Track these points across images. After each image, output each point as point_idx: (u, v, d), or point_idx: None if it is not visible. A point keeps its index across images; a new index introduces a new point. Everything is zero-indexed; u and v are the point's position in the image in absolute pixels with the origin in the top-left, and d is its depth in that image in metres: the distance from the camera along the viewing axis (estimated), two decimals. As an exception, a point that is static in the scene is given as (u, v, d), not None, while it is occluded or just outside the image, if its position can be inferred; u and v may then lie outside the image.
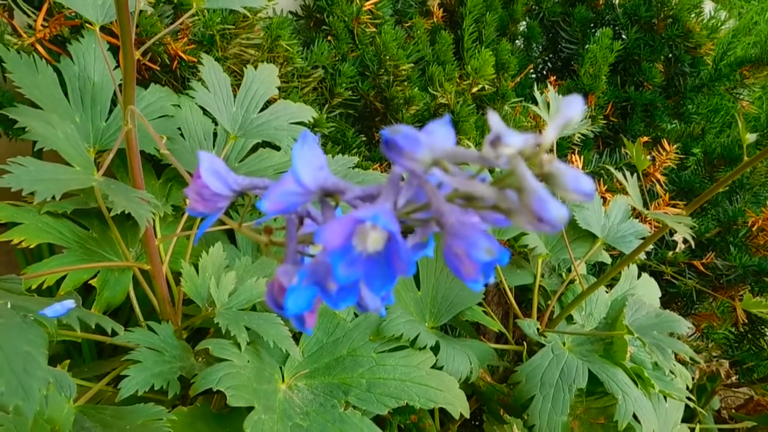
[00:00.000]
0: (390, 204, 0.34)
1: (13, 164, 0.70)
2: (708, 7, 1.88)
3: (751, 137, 0.93)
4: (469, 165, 0.34)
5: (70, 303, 0.65)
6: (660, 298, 1.39)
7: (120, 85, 0.97)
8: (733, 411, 1.69)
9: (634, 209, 1.42)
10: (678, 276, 1.66)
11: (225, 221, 0.48)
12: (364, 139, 1.45)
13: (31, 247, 0.93)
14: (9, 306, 0.63)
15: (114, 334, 0.77)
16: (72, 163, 0.79)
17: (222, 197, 0.42)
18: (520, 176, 0.31)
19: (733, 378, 1.70)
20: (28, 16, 1.07)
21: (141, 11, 1.03)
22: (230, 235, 1.16)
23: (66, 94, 1.00)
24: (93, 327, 0.72)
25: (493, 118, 0.31)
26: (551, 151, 0.32)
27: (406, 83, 1.44)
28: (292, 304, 0.36)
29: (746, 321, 1.67)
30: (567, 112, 0.31)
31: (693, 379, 1.57)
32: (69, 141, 0.83)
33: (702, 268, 1.64)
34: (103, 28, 0.97)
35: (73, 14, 1.06)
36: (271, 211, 0.36)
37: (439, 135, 0.34)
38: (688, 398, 1.17)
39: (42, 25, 1.06)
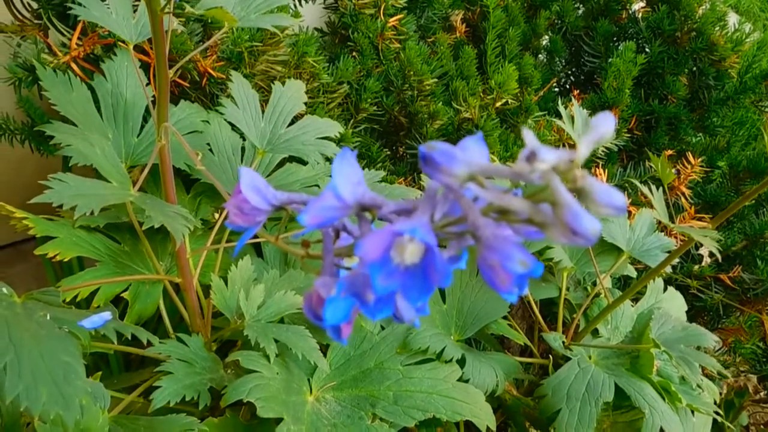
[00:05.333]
0: (427, 217, 0.35)
1: (54, 180, 0.72)
2: (732, 19, 1.87)
3: (777, 150, 0.92)
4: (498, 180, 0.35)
5: (107, 314, 0.67)
6: (686, 312, 1.38)
7: (152, 101, 1.00)
8: (762, 427, 1.67)
9: (659, 222, 1.42)
10: (704, 290, 1.65)
11: (261, 235, 0.49)
12: (388, 153, 1.46)
13: (65, 260, 0.95)
14: (48, 317, 0.65)
15: (149, 344, 0.79)
16: (109, 179, 0.81)
17: (261, 211, 0.43)
18: (554, 190, 0.31)
19: (762, 393, 1.68)
20: (63, 34, 1.10)
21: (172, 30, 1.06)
22: (257, 249, 1.17)
23: (99, 110, 1.03)
24: (129, 337, 0.73)
25: (528, 135, 0.32)
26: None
27: (430, 98, 1.46)
28: (331, 314, 0.38)
29: (774, 336, 1.66)
30: (600, 129, 0.32)
31: (721, 394, 1.55)
32: (106, 157, 0.85)
33: (729, 282, 1.63)
34: (134, 47, 1.00)
35: (107, 33, 1.09)
36: (310, 224, 0.37)
37: (474, 151, 0.35)
38: (716, 413, 1.16)
39: (76, 44, 1.09)
